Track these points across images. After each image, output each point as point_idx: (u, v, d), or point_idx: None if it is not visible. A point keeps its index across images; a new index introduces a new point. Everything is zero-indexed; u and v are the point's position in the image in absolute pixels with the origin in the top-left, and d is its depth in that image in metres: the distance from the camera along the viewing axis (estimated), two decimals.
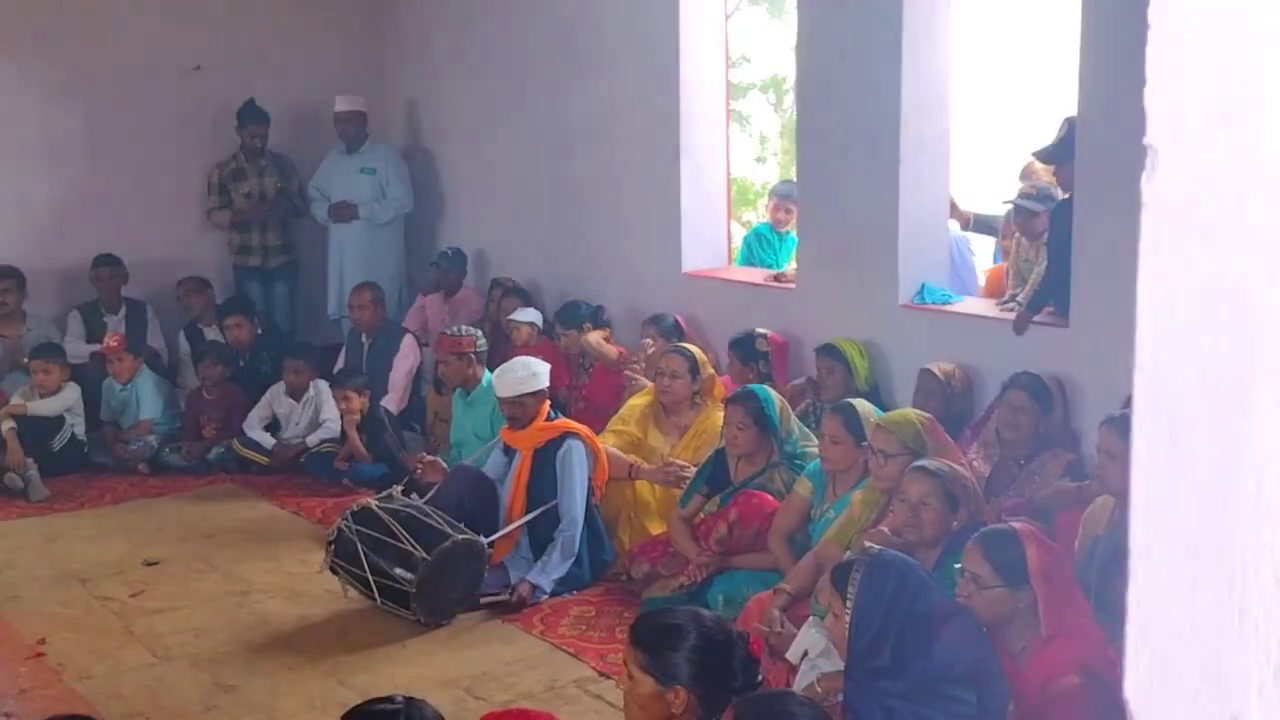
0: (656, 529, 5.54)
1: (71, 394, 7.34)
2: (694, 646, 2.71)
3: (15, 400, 7.21)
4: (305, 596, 5.42)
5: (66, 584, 5.59)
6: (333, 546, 5.18)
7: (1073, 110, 5.35)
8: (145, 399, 7.55)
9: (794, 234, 7.22)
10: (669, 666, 2.70)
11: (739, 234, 8.30)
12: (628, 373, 6.63)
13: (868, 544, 3.65)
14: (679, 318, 6.85)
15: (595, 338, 6.93)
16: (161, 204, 8.59)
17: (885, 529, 4.10)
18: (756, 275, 7.14)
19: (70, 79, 8.24)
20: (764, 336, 6.21)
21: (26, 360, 7.46)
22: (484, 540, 5.17)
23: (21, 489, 6.81)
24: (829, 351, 5.92)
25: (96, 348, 7.84)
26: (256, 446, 7.30)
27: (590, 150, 7.75)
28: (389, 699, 2.63)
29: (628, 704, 2.80)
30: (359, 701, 4.25)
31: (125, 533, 6.31)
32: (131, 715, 4.31)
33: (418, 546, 4.97)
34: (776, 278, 6.89)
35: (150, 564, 5.82)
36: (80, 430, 7.39)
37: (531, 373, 5.48)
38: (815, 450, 5.01)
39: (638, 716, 2.81)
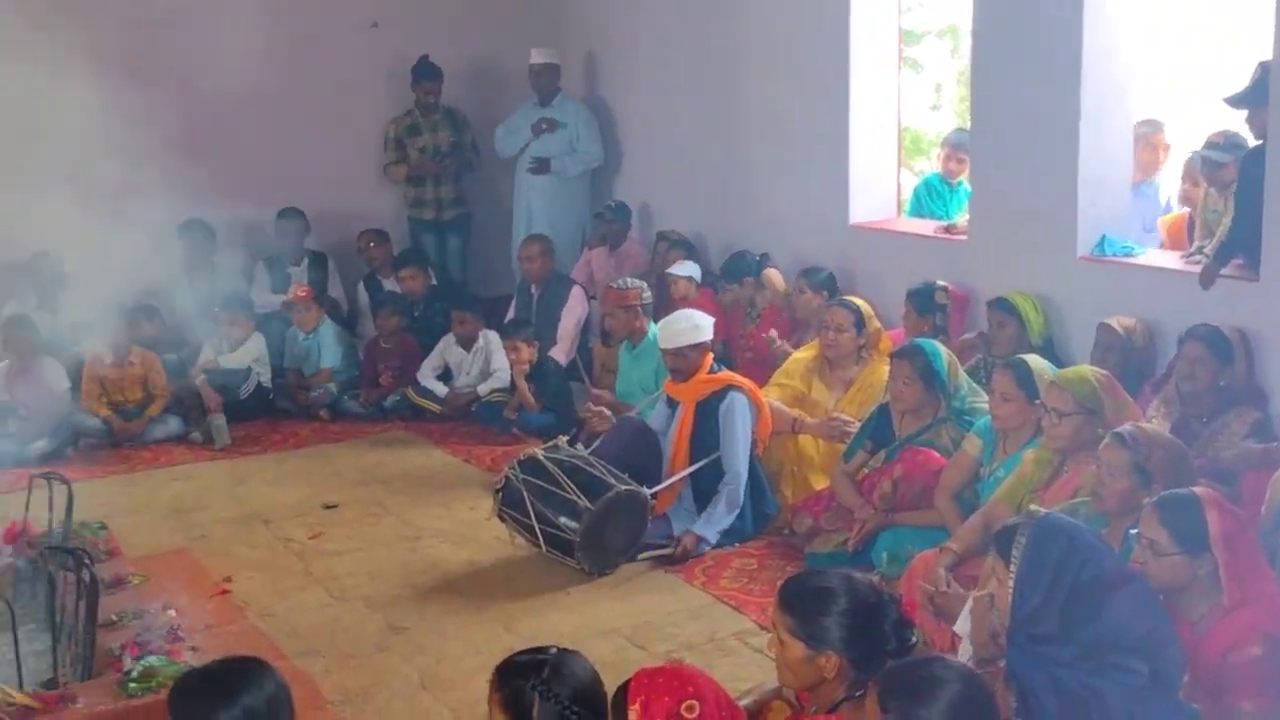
0: (819, 483, 5.49)
1: (257, 345, 7.66)
2: (844, 610, 2.67)
3: (206, 354, 7.56)
4: (474, 542, 5.55)
5: (251, 525, 5.85)
6: (500, 495, 5.29)
7: (1267, 54, 5.05)
8: (326, 348, 7.81)
9: (966, 184, 7.01)
10: (819, 630, 2.67)
11: (911, 185, 8.10)
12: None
13: (1033, 507, 3.53)
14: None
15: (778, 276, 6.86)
16: (341, 158, 8.83)
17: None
18: (926, 227, 6.97)
19: (254, 37, 8.48)
20: (944, 289, 6.05)
21: (216, 310, 7.80)
22: (647, 491, 5.22)
23: (210, 437, 7.14)
24: (1001, 305, 5.74)
25: (282, 298, 8.14)
26: (430, 395, 7.50)
27: (758, 101, 7.66)
28: (542, 650, 2.66)
29: (779, 666, 2.78)
30: (523, 647, 4.39)
31: (306, 477, 6.56)
32: (309, 653, 4.49)
33: (582, 496, 5.04)
34: (947, 229, 6.71)
35: (329, 507, 6.05)
36: (266, 378, 7.70)
37: (694, 325, 5.48)
38: (984, 406, 4.88)
39: (789, 680, 2.79)
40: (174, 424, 7.29)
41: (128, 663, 3.68)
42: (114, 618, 4.03)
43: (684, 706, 2.37)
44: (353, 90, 8.84)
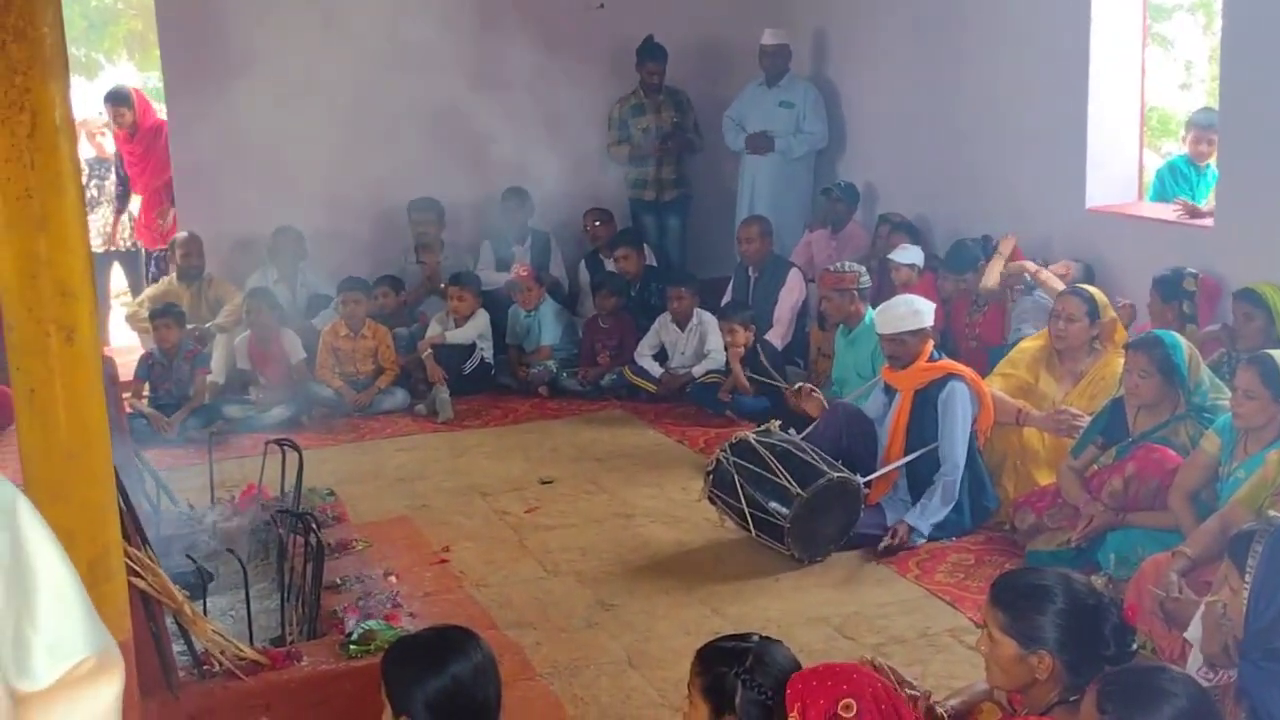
0: (1044, 478, 5.28)
1: (482, 321, 7.85)
2: (1061, 610, 2.54)
3: (433, 330, 7.80)
4: (685, 523, 5.56)
5: (469, 496, 6.01)
6: (711, 477, 5.27)
7: None
8: (547, 326, 7.96)
9: (1214, 167, 6.61)
10: (1033, 630, 2.55)
11: (1156, 168, 7.69)
12: None
13: (1272, 513, 3.29)
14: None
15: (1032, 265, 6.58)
16: (564, 139, 8.93)
17: None
18: (1168, 211, 6.60)
19: (481, 17, 8.69)
20: (1193, 276, 5.70)
21: (443, 286, 8.04)
22: (860, 479, 5.12)
23: (434, 409, 7.36)
24: (1248, 296, 5.38)
25: (507, 276, 8.33)
26: (646, 374, 7.55)
27: (990, 79, 7.41)
28: (745, 637, 2.63)
29: (989, 665, 2.67)
30: (729, 632, 4.36)
31: (524, 451, 6.69)
32: (521, 624, 4.58)
33: (793, 482, 4.98)
34: (1190, 212, 6.33)
35: (545, 482, 6.16)
36: (489, 354, 7.90)
37: (914, 310, 5.33)
38: (1226, 404, 4.59)
39: (998, 679, 2.68)
40: (401, 396, 7.56)
41: (349, 625, 3.81)
42: (338, 581, 4.18)
43: (840, 706, 2.30)
44: (578, 70, 8.94)
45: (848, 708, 2.27)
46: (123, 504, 3.38)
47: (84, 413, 3.10)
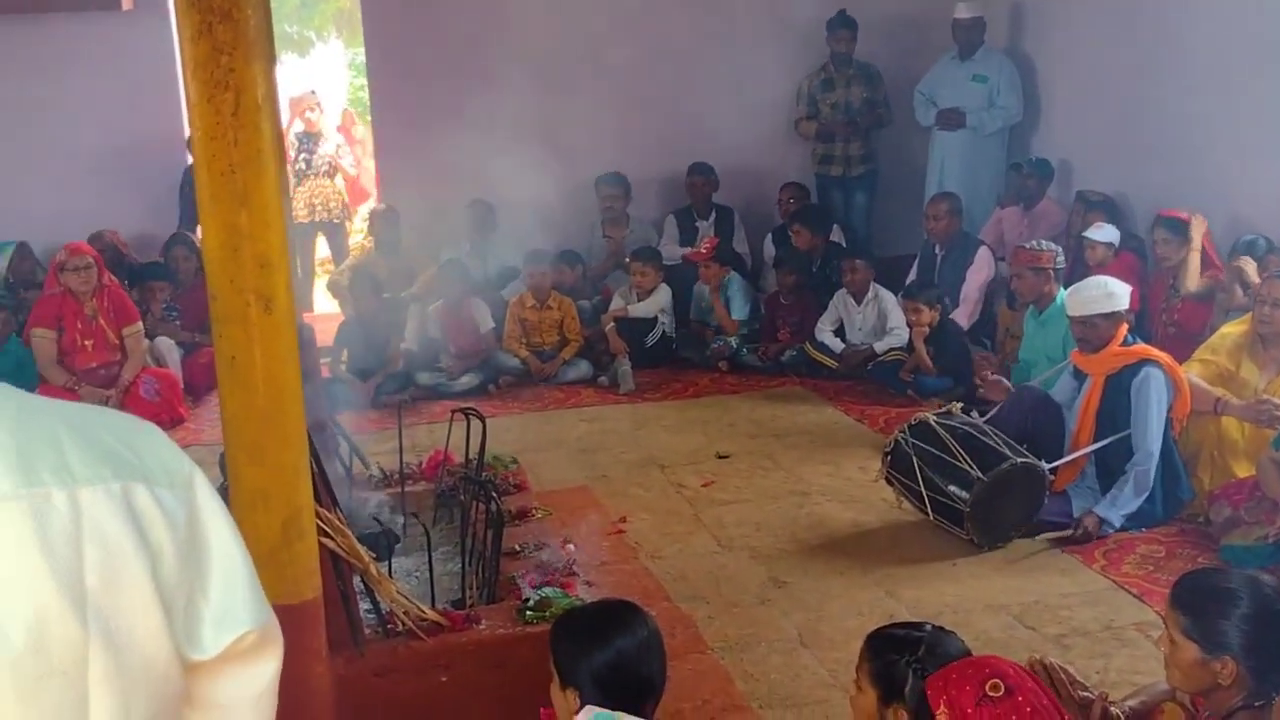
0: (1242, 470, 5.04)
1: (664, 296, 7.91)
2: (1247, 615, 2.43)
3: (616, 304, 7.89)
4: (861, 503, 5.51)
5: (647, 468, 6.07)
6: (889, 458, 5.21)
7: None
8: (735, 301, 7.95)
9: None
10: (1216, 634, 2.44)
11: None
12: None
13: None
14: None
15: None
16: (751, 113, 8.92)
17: None
18: None
19: None
20: None
21: (627, 260, 8.12)
22: (1045, 466, 4.98)
23: (615, 381, 7.46)
24: None
25: (690, 250, 8.37)
26: (826, 350, 7.49)
27: (1192, 51, 7.06)
28: (918, 625, 2.59)
29: (1169, 667, 2.58)
30: (905, 616, 4.32)
31: (702, 425, 6.73)
32: (694, 597, 4.62)
33: (974, 466, 4.87)
34: None
35: (722, 457, 6.18)
36: (670, 328, 7.95)
37: (1107, 292, 5.14)
38: None
39: (1178, 681, 2.57)
40: (584, 367, 7.68)
41: (526, 591, 3.91)
42: (517, 548, 4.28)
43: (988, 686, 2.23)
44: (767, 45, 8.90)
45: (995, 686, 2.21)
46: (315, 467, 3.53)
47: (280, 379, 3.25)
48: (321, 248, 9.97)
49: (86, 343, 7.09)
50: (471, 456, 4.95)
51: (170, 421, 7.05)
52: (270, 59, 3.19)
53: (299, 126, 9.46)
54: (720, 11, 8.79)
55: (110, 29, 8.00)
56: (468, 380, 7.46)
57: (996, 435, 5.02)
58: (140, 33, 8.10)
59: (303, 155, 9.59)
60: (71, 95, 8.00)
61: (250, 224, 3.14)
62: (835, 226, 8.48)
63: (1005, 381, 5.65)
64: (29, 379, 6.90)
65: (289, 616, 3.29)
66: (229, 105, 3.09)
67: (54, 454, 1.07)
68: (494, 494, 4.02)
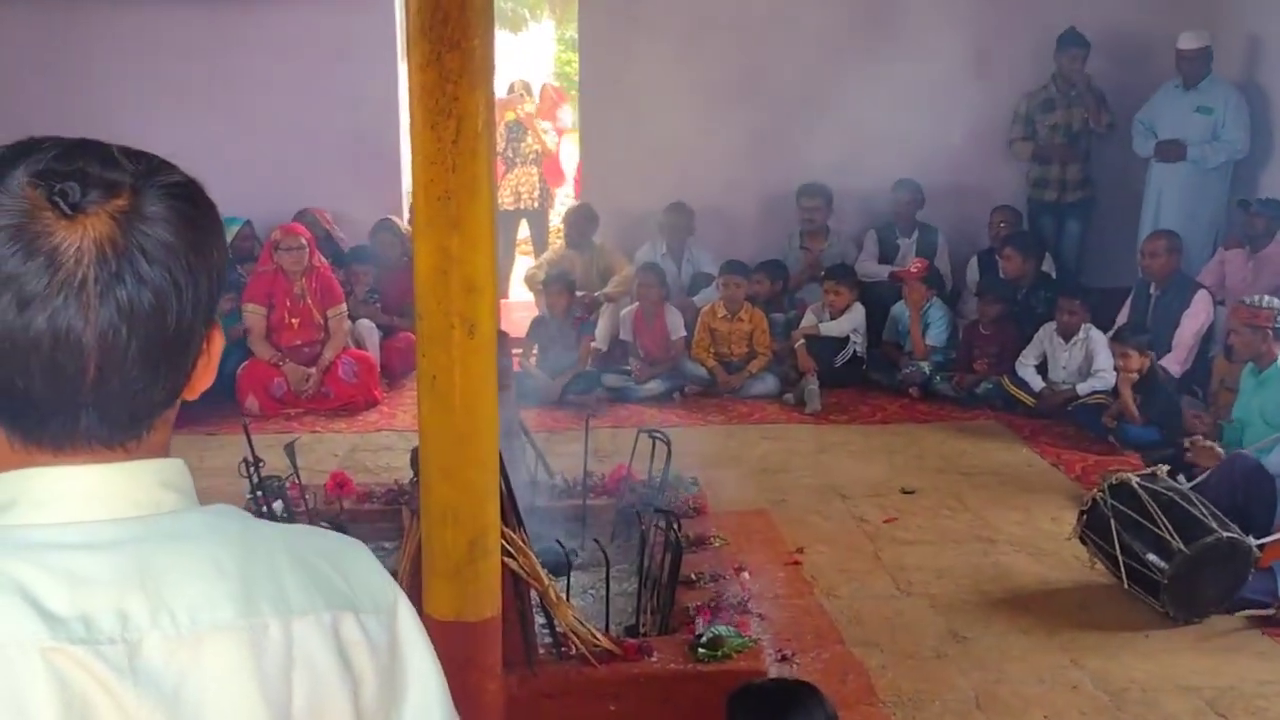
0: None
1: (857, 315, 7.77)
2: None
3: (808, 320, 7.80)
4: (1050, 557, 5.30)
5: (828, 496, 5.98)
6: (1085, 516, 5.00)
7: None
8: (931, 326, 7.77)
9: None
10: None
11: None
12: None
13: None
14: None
15: None
16: (961, 131, 8.67)
17: None
18: None
19: (884, 7, 8.54)
20: None
21: (821, 275, 8.01)
22: (1252, 541, 4.70)
23: (801, 400, 7.37)
24: None
25: (890, 268, 8.22)
26: (1025, 386, 7.24)
27: None
28: (789, 685, 2.45)
29: None
30: (1089, 687, 4.14)
31: (888, 455, 6.59)
32: (868, 643, 4.51)
33: (1176, 535, 4.63)
34: None
35: (907, 492, 6.03)
36: (861, 348, 7.81)
37: None
38: None
39: None
40: (771, 382, 7.61)
41: (699, 626, 3.89)
42: (693, 576, 4.26)
43: None
44: (987, 62, 8.63)
45: None
46: (504, 487, 3.58)
47: (477, 402, 3.30)
48: (522, 230, 10.16)
49: (293, 320, 7.37)
50: (654, 475, 4.97)
51: (365, 403, 7.29)
52: (491, 87, 3.23)
53: (509, 116, 9.63)
54: (935, 27, 8.56)
55: (337, 14, 8.26)
56: (654, 386, 7.48)
57: (1203, 505, 4.76)
58: (366, 20, 8.35)
59: (510, 144, 9.78)
60: (296, 77, 8.29)
61: (461, 248, 3.19)
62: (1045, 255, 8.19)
63: (1217, 448, 5.36)
64: (239, 352, 7.22)
65: (468, 633, 3.37)
66: (450, 133, 3.14)
67: (273, 584, 1.09)
68: (675, 526, 4.00)
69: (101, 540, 1.03)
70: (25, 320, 0.98)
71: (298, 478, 4.84)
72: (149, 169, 1.05)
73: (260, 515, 3.88)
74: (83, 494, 1.04)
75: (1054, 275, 8.04)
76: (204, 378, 1.12)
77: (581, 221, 8.38)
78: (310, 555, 1.14)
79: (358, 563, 1.19)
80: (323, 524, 4.92)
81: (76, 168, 1.01)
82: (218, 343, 1.13)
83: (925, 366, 7.60)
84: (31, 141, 1.05)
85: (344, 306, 7.51)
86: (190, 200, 1.07)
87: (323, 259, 7.59)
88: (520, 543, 3.64)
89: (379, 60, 8.49)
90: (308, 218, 8.19)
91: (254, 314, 7.34)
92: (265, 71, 8.29)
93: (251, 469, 4.57)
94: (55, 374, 1.00)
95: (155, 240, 1.02)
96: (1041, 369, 7.31)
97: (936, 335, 7.72)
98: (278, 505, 4.67)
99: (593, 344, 7.69)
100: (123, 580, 1.02)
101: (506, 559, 3.54)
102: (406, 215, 8.52)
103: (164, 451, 1.10)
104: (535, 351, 7.74)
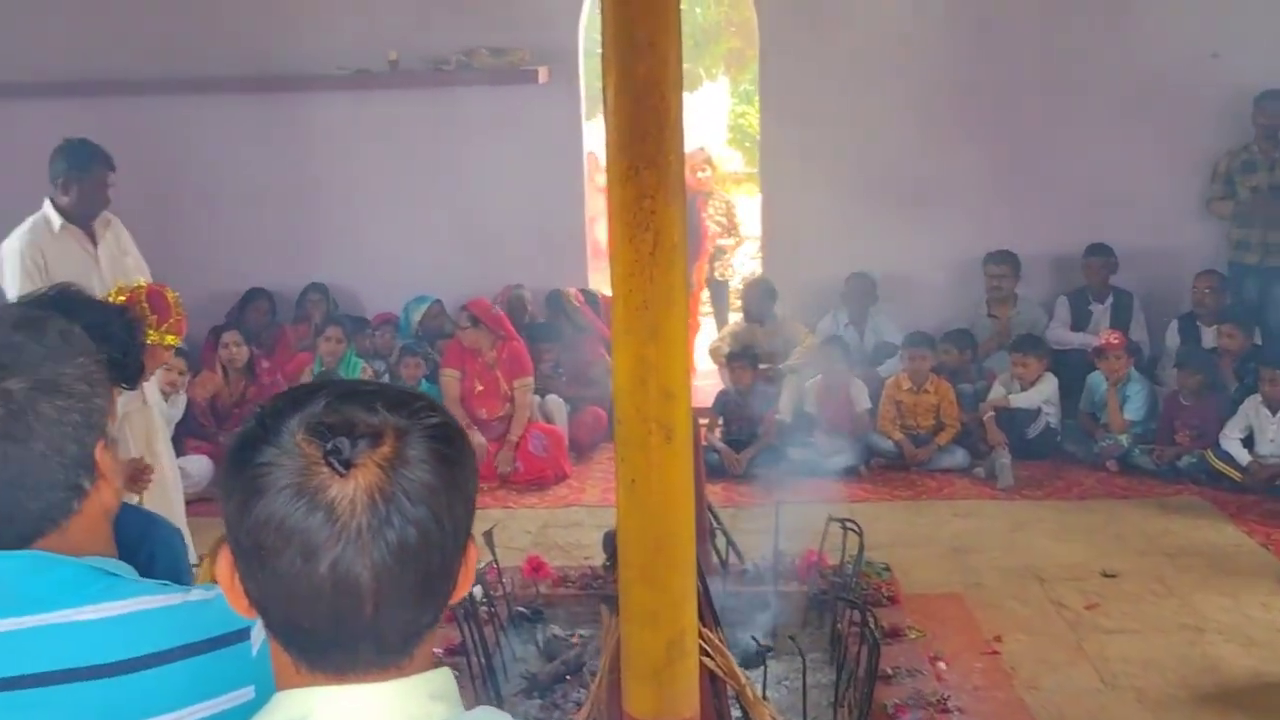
0: None
1: (1049, 387, 7.58)
2: None
3: (996, 392, 7.63)
4: (1264, 648, 5.06)
5: (1025, 579, 5.82)
6: None
7: None
8: (1130, 399, 7.51)
9: None
10: None
11: None
12: None
13: None
14: None
15: None
16: (1156, 192, 8.42)
17: None
18: None
19: (1070, 61, 8.37)
20: None
21: (1009, 345, 7.86)
22: None
23: (992, 474, 7.21)
24: None
25: (1081, 336, 8.01)
26: (1230, 461, 6.95)
27: None
28: None
29: None
30: None
31: (1086, 534, 6.38)
32: None
33: None
34: None
35: (1108, 576, 5.83)
36: (1055, 420, 7.61)
37: None
38: None
39: None
40: (960, 456, 7.47)
41: None
42: (889, 671, 4.22)
43: None
44: (1181, 121, 8.38)
45: None
46: (701, 587, 3.62)
47: (674, 505, 3.35)
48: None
49: (479, 388, 7.61)
50: (846, 564, 4.95)
51: (554, 478, 7.43)
52: (684, 201, 3.30)
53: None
54: (1124, 86, 8.36)
55: (526, 100, 8.52)
56: (839, 460, 7.41)
57: None
58: (553, 103, 8.58)
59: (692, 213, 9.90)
60: (485, 159, 8.57)
61: (658, 356, 3.26)
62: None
63: None
64: None
65: None
66: (648, 245, 3.22)
67: None
68: (870, 621, 3.97)
69: None
70: (310, 568, 1.07)
71: (495, 562, 4.97)
72: (409, 413, 1.14)
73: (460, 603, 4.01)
74: (363, 711, 1.12)
75: (1259, 343, 7.70)
76: (463, 587, 1.19)
77: (760, 296, 8.40)
78: None
79: None
80: (520, 609, 5.05)
81: (344, 419, 1.10)
82: (473, 554, 1.20)
83: (1124, 439, 7.35)
84: (301, 391, 1.15)
85: (531, 380, 7.70)
86: (447, 440, 1.15)
87: (515, 332, 7.81)
88: (718, 643, 3.66)
89: (565, 140, 8.72)
90: (504, 296, 8.44)
91: (450, 378, 7.66)
92: (453, 154, 8.60)
93: None
94: (337, 613, 1.09)
95: (417, 482, 1.10)
96: (1247, 442, 7.01)
97: (1135, 409, 7.46)
98: (476, 590, 4.80)
99: (776, 417, 7.69)
100: None
101: (704, 659, 3.57)
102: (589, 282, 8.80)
103: (430, 662, 1.17)
104: (720, 424, 7.78)
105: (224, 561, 1.15)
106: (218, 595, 1.33)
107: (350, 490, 1.08)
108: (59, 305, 2.16)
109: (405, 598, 1.11)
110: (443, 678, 1.18)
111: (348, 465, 1.08)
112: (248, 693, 1.37)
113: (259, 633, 1.27)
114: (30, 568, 1.36)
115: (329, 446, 1.09)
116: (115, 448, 1.49)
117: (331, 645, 1.11)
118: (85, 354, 1.46)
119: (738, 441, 7.58)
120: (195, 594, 1.41)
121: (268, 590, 1.10)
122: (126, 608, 1.36)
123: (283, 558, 1.08)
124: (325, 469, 1.08)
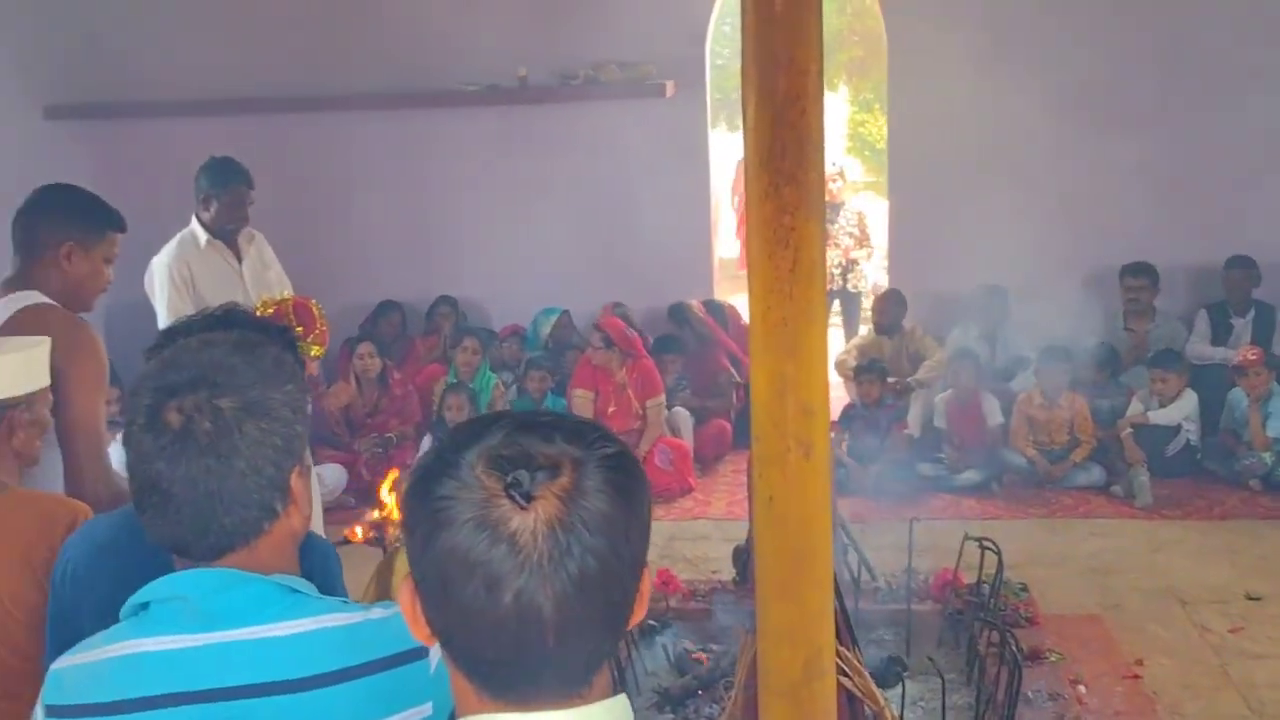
0: None
1: (1189, 403, 7.36)
2: None
3: (1134, 408, 7.43)
4: None
5: (1166, 601, 5.66)
6: None
7: None
8: (1273, 415, 7.24)
9: None
10: None
11: None
12: None
13: None
14: None
15: None
16: None
17: None
18: None
19: (1215, 70, 8.13)
20: None
21: (1148, 360, 7.65)
22: None
23: (1130, 492, 7.02)
24: None
25: (1223, 351, 7.77)
26: None
27: None
28: None
29: None
30: None
31: (1229, 555, 6.19)
32: None
33: None
34: None
35: (1253, 598, 5.65)
36: (1195, 437, 7.39)
37: None
38: None
39: None
40: (1096, 473, 7.29)
41: None
42: (1029, 695, 4.14)
43: None
44: None
45: None
46: (838, 605, 3.59)
47: (813, 522, 3.32)
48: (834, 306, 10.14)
49: (611, 409, 7.64)
50: (982, 583, 4.86)
51: (680, 491, 7.44)
52: (824, 218, 3.28)
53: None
54: (1267, 89, 8.08)
55: (653, 112, 8.56)
56: (970, 476, 7.31)
57: None
58: (679, 116, 8.61)
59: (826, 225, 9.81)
60: (612, 172, 8.63)
61: (797, 373, 3.23)
62: None
63: None
64: None
65: None
66: (787, 262, 3.20)
67: None
68: (1011, 644, 3.90)
69: None
70: (494, 600, 1.10)
71: None
72: (585, 444, 1.15)
73: None
74: None
75: None
76: (639, 613, 1.20)
77: (890, 308, 8.31)
78: None
79: None
80: (650, 622, 5.06)
81: (522, 451, 1.13)
82: (648, 581, 1.21)
83: (1267, 457, 7.10)
84: (478, 423, 1.17)
85: (663, 398, 7.73)
86: (623, 470, 1.16)
87: (644, 351, 7.83)
88: (855, 662, 3.63)
89: (691, 151, 8.74)
90: (619, 310, 8.46)
91: (582, 399, 7.68)
92: (581, 167, 8.68)
93: None
94: (520, 643, 1.11)
95: (595, 513, 1.12)
96: None
97: (1278, 426, 7.21)
98: None
99: (905, 431, 7.60)
100: None
101: (842, 678, 3.54)
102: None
103: (609, 689, 1.19)
104: (846, 438, 7.71)
105: (405, 592, 1.18)
106: (396, 613, 1.37)
107: (531, 522, 1.10)
108: (224, 323, 2.24)
109: (586, 626, 1.12)
110: (622, 706, 1.19)
111: (528, 498, 1.10)
112: (426, 709, 1.41)
113: (437, 650, 1.31)
114: (222, 584, 1.42)
115: (509, 479, 1.11)
116: (309, 476, 1.54)
117: (515, 674, 1.13)
118: (293, 381, 1.51)
119: (866, 456, 7.50)
120: (375, 612, 1.45)
121: (451, 621, 1.13)
122: (313, 625, 1.40)
123: (467, 589, 1.10)
124: (506, 501, 1.11)
